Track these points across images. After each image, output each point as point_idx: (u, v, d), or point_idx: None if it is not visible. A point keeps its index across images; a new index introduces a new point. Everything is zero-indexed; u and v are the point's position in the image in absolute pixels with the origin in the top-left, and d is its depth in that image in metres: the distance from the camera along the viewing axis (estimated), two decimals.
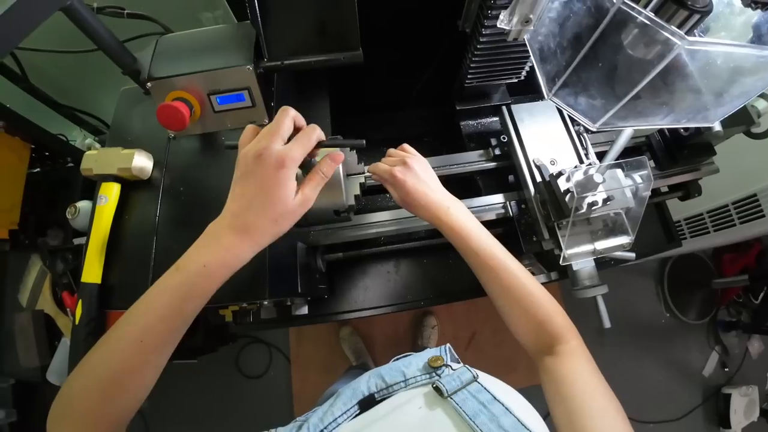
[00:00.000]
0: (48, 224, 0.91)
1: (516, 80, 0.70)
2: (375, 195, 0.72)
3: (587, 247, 0.57)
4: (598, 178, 0.51)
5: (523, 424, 0.32)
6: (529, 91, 0.80)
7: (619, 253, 0.70)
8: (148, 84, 0.48)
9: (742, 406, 1.65)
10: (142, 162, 0.51)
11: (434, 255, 0.81)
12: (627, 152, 0.69)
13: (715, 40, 0.28)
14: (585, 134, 0.70)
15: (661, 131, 0.72)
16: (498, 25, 0.36)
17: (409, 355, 0.49)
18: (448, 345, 0.49)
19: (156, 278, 0.46)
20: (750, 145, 0.95)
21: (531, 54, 0.36)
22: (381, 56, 0.58)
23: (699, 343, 1.81)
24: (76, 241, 0.88)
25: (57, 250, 0.86)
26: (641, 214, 0.58)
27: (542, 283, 0.69)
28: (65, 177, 0.97)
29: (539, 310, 0.46)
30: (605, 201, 0.54)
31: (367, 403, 0.41)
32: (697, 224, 1.19)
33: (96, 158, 0.51)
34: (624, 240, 0.58)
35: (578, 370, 0.42)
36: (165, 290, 0.36)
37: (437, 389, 0.37)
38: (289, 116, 0.39)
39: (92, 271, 0.48)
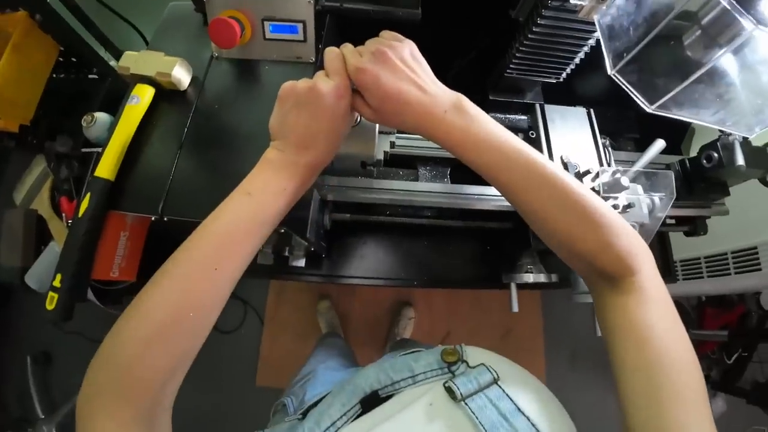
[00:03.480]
0: (59, 130, 0.91)
1: (554, 81, 0.71)
2: (396, 167, 0.72)
3: None
4: (625, 181, 0.52)
5: None
6: (560, 101, 0.81)
7: None
8: None
9: None
10: (182, 71, 0.50)
11: (435, 238, 0.81)
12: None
13: None
14: (609, 148, 0.71)
15: (682, 162, 0.74)
16: (571, 1, 0.37)
17: (419, 350, 0.44)
18: (463, 344, 0.41)
19: (175, 189, 0.47)
20: (758, 199, 0.98)
21: (599, 30, 0.36)
22: (426, 31, 0.59)
23: None
24: (86, 151, 0.88)
25: (64, 156, 0.85)
26: (654, 232, 0.59)
27: (542, 284, 0.71)
28: (86, 88, 0.96)
29: (606, 228, 0.35)
30: (626, 207, 0.55)
31: (370, 401, 0.36)
32: (693, 267, 1.21)
33: (136, 58, 0.50)
34: None
35: (656, 312, 0.34)
36: (239, 215, 0.35)
37: (449, 390, 0.32)
38: (334, 54, 0.37)
39: (108, 168, 0.47)
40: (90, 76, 1.00)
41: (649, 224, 0.59)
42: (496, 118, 0.81)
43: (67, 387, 1.57)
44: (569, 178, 0.35)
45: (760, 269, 1.04)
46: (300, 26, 0.49)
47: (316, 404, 0.41)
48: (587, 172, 0.56)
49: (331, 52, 0.37)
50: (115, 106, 0.83)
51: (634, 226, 0.60)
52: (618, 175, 0.52)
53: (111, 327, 0.33)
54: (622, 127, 0.89)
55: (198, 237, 0.34)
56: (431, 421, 0.31)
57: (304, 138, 0.36)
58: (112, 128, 0.49)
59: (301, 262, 0.65)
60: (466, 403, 0.31)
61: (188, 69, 0.51)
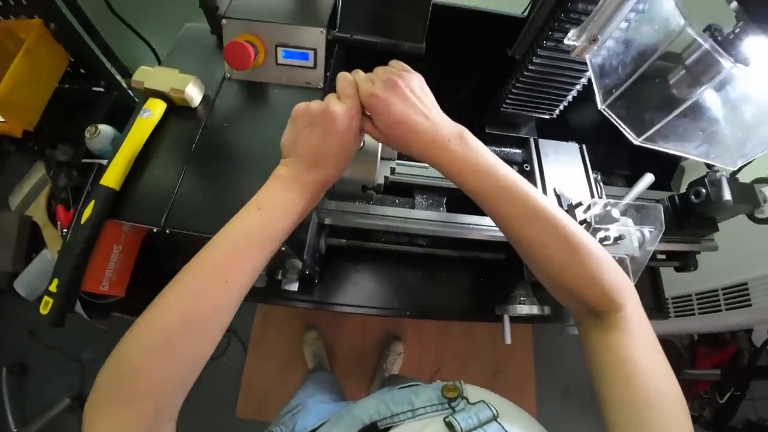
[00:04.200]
0: (60, 138, 0.92)
1: (548, 117, 0.75)
2: (393, 195, 0.73)
3: None
4: (615, 213, 0.54)
5: None
6: (553, 136, 0.84)
7: None
8: (224, 21, 0.51)
9: None
10: (195, 89, 0.52)
11: (429, 268, 0.81)
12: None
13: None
14: (600, 182, 0.73)
15: (672, 197, 0.76)
16: (565, 42, 0.39)
17: (417, 384, 0.45)
18: (462, 381, 0.42)
19: (179, 202, 0.47)
20: (749, 234, 1.01)
21: (590, 69, 0.39)
22: (427, 65, 0.62)
23: None
24: (86, 161, 0.88)
25: (64, 164, 0.85)
26: (644, 264, 0.61)
27: (536, 317, 0.71)
28: (91, 100, 0.98)
29: (595, 263, 0.36)
30: (616, 239, 0.56)
31: None
32: (684, 304, 1.22)
33: (151, 73, 0.52)
34: None
35: (642, 347, 0.35)
36: (250, 229, 0.36)
37: (450, 425, 0.33)
38: (348, 80, 0.39)
39: (114, 177, 0.48)
40: (95, 88, 1.02)
41: (639, 257, 0.60)
42: (491, 150, 0.85)
43: (42, 402, 1.51)
44: (561, 213, 0.37)
45: (750, 305, 1.05)
46: (311, 53, 0.52)
47: None
48: (579, 204, 0.58)
49: (344, 78, 0.39)
50: (118, 119, 0.85)
51: (624, 259, 0.61)
52: (609, 208, 0.54)
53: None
54: (613, 163, 0.93)
55: (210, 248, 0.35)
56: None
57: (316, 156, 0.38)
58: (120, 139, 0.50)
59: (294, 286, 0.65)
60: None
61: (200, 87, 0.53)
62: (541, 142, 0.73)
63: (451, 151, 0.37)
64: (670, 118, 0.33)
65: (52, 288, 0.47)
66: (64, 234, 0.87)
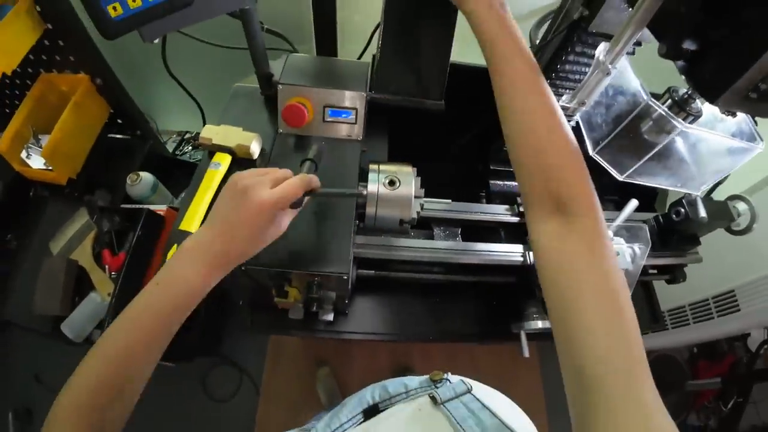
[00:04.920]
0: (96, 185, 0.96)
1: None
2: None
3: None
4: (609, 234, 0.64)
5: (507, 426, 0.37)
6: None
7: None
8: (280, 86, 0.62)
9: None
10: (257, 144, 0.62)
11: (445, 296, 0.89)
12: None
13: (700, 129, 0.44)
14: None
15: (656, 218, 0.87)
16: (560, 102, 0.51)
17: (412, 375, 0.55)
18: (449, 372, 0.52)
19: None
20: (730, 246, 1.11)
21: (581, 125, 0.51)
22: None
23: None
24: (126, 207, 0.95)
25: (106, 210, 0.90)
26: (637, 277, 0.70)
27: (547, 330, 0.78)
28: (128, 148, 1.03)
29: (562, 150, 0.38)
30: None
31: (371, 412, 0.46)
32: (679, 316, 1.31)
33: (216, 131, 0.62)
34: None
35: (577, 254, 0.34)
36: (148, 306, 0.38)
37: (432, 398, 0.42)
38: (289, 172, 0.44)
39: (191, 222, 0.56)
40: (133, 137, 1.06)
41: (632, 270, 0.69)
42: (495, 185, 0.95)
43: None
44: (553, 104, 0.39)
45: (739, 310, 1.14)
46: (353, 112, 0.63)
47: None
48: None
49: (298, 179, 0.43)
50: (154, 166, 0.93)
51: None
52: None
53: None
54: (602, 191, 1.03)
55: (114, 326, 0.37)
56: (417, 420, 0.40)
57: (225, 228, 0.40)
58: (194, 188, 0.59)
59: (330, 316, 0.72)
60: (444, 405, 0.40)
61: (260, 142, 0.63)
62: None
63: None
64: (643, 161, 0.45)
65: None
66: (113, 277, 0.91)
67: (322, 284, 0.59)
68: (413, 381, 0.49)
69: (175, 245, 0.55)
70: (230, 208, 0.40)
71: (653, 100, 0.45)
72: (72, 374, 0.36)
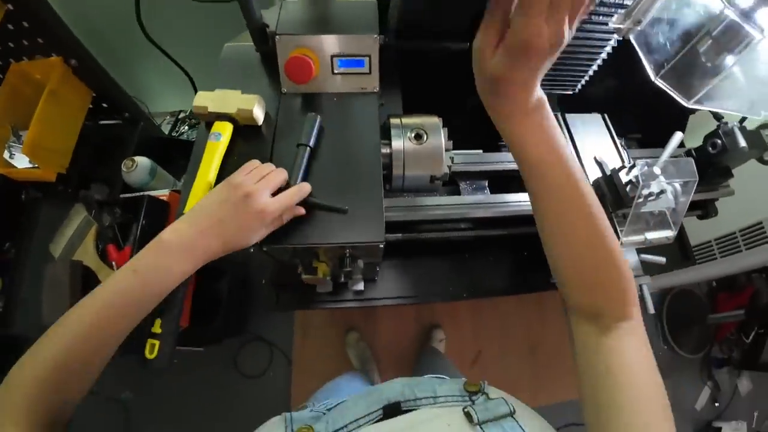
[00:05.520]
0: (90, 178, 0.89)
1: (571, 92, 0.79)
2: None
3: (640, 237, 0.64)
4: (657, 170, 0.59)
5: None
6: (576, 109, 0.89)
7: (651, 257, 0.77)
8: (277, 38, 0.53)
9: None
10: (260, 107, 0.54)
11: (474, 252, 0.86)
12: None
13: None
14: (626, 149, 0.78)
15: (688, 152, 0.82)
16: (610, 25, 0.44)
17: (444, 378, 0.48)
18: (485, 381, 0.43)
19: None
20: (758, 177, 1.08)
21: (636, 47, 0.43)
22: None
23: (692, 377, 1.87)
24: (126, 197, 0.87)
25: (104, 203, 0.83)
26: (683, 214, 0.66)
27: None
28: (118, 133, 0.95)
29: (619, 264, 0.37)
30: (658, 194, 0.61)
31: (392, 410, 0.40)
32: (706, 251, 1.30)
33: (212, 97, 0.53)
34: (668, 233, 0.65)
35: (640, 358, 0.35)
36: (124, 293, 0.38)
37: (468, 415, 0.34)
38: (284, 175, 0.47)
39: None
40: (122, 122, 1.00)
41: (678, 208, 0.65)
42: None
43: None
44: (599, 209, 0.37)
45: None
46: (366, 60, 0.55)
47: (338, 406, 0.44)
48: (622, 168, 0.62)
49: (296, 189, 0.46)
50: (149, 149, 0.84)
51: (664, 212, 0.66)
52: (649, 167, 0.59)
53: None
54: (624, 129, 0.98)
55: (84, 303, 0.37)
56: None
57: (214, 228, 0.41)
58: (194, 165, 0.52)
59: (360, 286, 0.68)
60: (481, 428, 0.33)
61: (263, 105, 0.55)
62: (569, 116, 0.78)
63: (530, 115, 0.36)
64: (718, 79, 0.38)
65: (156, 329, 0.46)
66: None
67: (355, 255, 0.53)
68: (444, 386, 0.42)
69: None
70: (226, 211, 0.42)
71: (731, 7, 0.38)
72: (34, 345, 0.36)
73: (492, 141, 0.87)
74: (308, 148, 0.51)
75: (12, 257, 0.89)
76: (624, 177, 0.62)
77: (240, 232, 0.42)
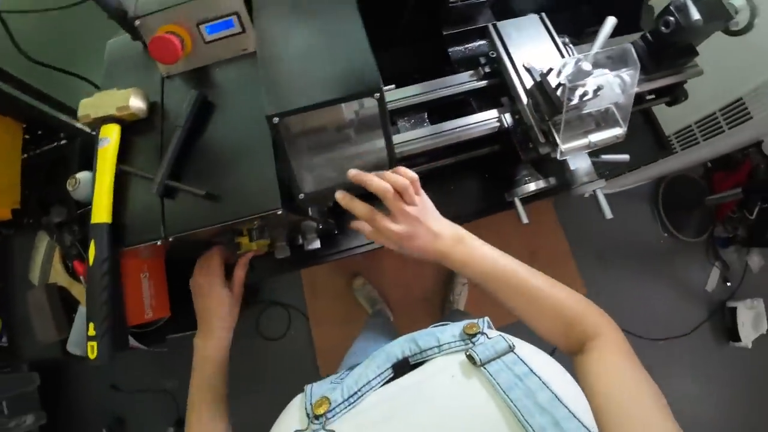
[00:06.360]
0: (50, 203, 0.90)
1: None
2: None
3: (582, 141, 0.59)
4: (586, 66, 0.53)
5: (560, 400, 0.30)
6: (514, 15, 0.80)
7: (612, 156, 0.72)
8: (137, 21, 0.49)
9: (750, 318, 1.71)
10: (138, 99, 0.51)
11: (435, 183, 0.83)
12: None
13: None
14: (571, 45, 0.71)
15: (644, 36, 0.73)
16: None
17: (447, 324, 0.49)
18: (486, 318, 0.47)
19: (170, 208, 0.49)
20: (730, 51, 0.97)
21: None
22: None
23: (699, 260, 1.85)
24: (82, 212, 0.89)
25: (63, 224, 0.86)
26: (629, 108, 0.60)
27: (545, 190, 0.73)
28: (62, 155, 0.96)
29: (567, 312, 0.44)
30: (596, 91, 0.56)
31: (401, 367, 0.41)
32: (687, 136, 1.22)
33: (92, 103, 0.51)
34: (617, 131, 0.61)
35: (607, 362, 0.38)
36: (195, 387, 0.55)
37: (470, 357, 0.36)
38: (220, 250, 0.60)
39: (101, 212, 0.48)
40: (61, 143, 1.00)
41: (623, 102, 0.60)
42: (456, 52, 0.82)
43: None
44: (545, 285, 0.46)
45: (751, 118, 1.03)
46: (234, 18, 0.49)
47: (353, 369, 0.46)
48: (550, 71, 0.56)
49: (242, 267, 0.61)
50: (92, 162, 0.82)
51: (609, 108, 0.61)
52: (579, 63, 0.53)
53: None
54: (580, 24, 0.89)
55: (191, 400, 0.55)
56: (457, 388, 0.35)
57: (204, 327, 0.58)
58: (94, 176, 0.50)
59: (317, 244, 0.68)
60: (485, 368, 0.34)
61: (143, 96, 0.52)
62: (500, 24, 0.71)
63: (456, 253, 0.47)
64: None
65: (91, 332, 0.49)
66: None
67: (267, 225, 0.52)
68: (445, 333, 0.43)
69: (92, 241, 0.49)
70: (200, 310, 0.58)
71: None
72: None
73: (433, 68, 0.81)
74: (181, 129, 0.48)
75: (1, 294, 0.95)
76: (554, 80, 0.56)
77: (220, 320, 0.58)
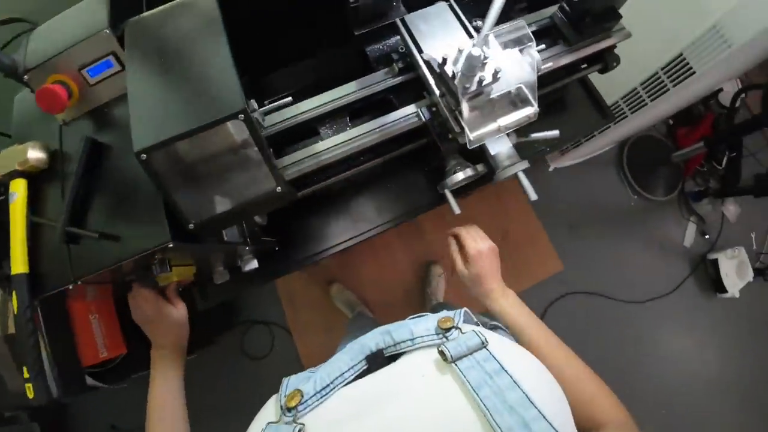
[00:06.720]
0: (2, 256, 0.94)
1: None
2: (294, 143, 0.72)
3: (491, 126, 0.59)
4: (476, 51, 0.51)
5: (530, 400, 0.30)
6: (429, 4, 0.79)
7: (542, 134, 0.72)
8: (26, 77, 0.49)
9: (733, 268, 1.71)
10: (36, 151, 0.51)
11: (374, 183, 0.85)
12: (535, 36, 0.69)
13: None
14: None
15: (561, 7, 0.73)
16: None
17: (424, 315, 0.49)
18: (464, 309, 0.46)
19: (77, 251, 0.50)
20: (661, 8, 0.96)
21: None
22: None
23: (673, 217, 1.85)
24: None
25: (6, 276, 0.88)
26: (535, 84, 0.59)
27: (475, 178, 0.73)
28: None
29: (584, 390, 0.47)
30: (494, 75, 0.55)
31: (375, 359, 0.41)
32: (634, 99, 1.21)
33: None
34: (529, 111, 0.60)
35: None
36: (152, 399, 0.57)
37: (441, 353, 0.35)
38: (147, 289, 0.59)
39: (18, 263, 0.50)
40: None
41: (530, 80, 0.59)
42: (373, 50, 0.81)
43: None
44: (567, 360, 0.50)
45: (694, 72, 1.02)
46: (111, 57, 0.49)
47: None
48: (445, 61, 0.56)
49: (173, 288, 0.62)
50: None
51: (520, 88, 0.60)
52: (468, 50, 0.52)
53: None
54: (509, 2, 0.88)
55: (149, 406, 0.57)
56: (428, 387, 0.35)
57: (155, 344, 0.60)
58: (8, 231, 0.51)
59: (254, 264, 0.68)
60: (455, 364, 0.34)
61: (42, 147, 0.52)
62: (407, 17, 0.69)
63: (505, 301, 0.59)
64: None
65: (26, 375, 0.50)
66: None
67: (168, 258, 0.52)
68: (419, 326, 0.42)
69: (14, 291, 0.50)
70: (148, 327, 0.60)
71: None
72: None
73: (363, 65, 0.80)
74: (74, 177, 0.49)
75: None
76: (450, 69, 0.56)
77: (164, 337, 0.60)
